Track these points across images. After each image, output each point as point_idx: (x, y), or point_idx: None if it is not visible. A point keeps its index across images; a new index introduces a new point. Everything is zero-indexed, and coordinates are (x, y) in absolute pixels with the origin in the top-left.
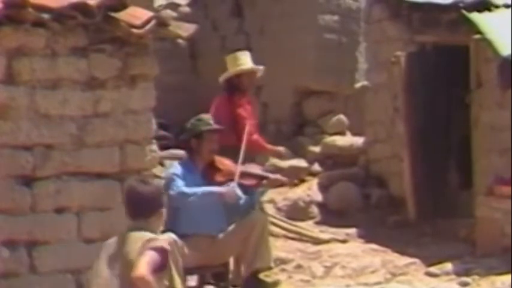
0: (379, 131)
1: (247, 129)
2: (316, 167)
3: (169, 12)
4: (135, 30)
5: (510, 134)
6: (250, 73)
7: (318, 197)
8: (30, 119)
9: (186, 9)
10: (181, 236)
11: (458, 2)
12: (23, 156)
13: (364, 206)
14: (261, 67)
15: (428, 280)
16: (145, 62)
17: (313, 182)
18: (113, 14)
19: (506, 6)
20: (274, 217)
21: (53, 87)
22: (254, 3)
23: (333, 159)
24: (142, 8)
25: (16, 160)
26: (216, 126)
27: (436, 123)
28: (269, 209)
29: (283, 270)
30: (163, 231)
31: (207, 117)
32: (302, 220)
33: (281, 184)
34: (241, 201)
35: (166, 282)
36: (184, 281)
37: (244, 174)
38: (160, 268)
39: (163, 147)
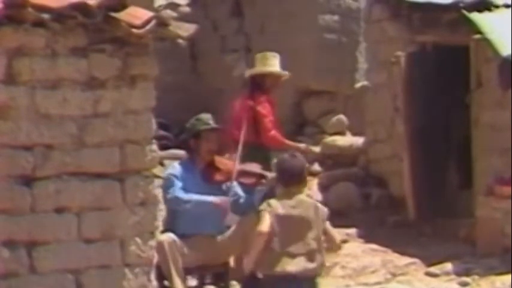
0: (379, 131)
1: (244, 128)
2: (316, 167)
3: (169, 12)
4: (135, 30)
5: (510, 134)
6: (276, 76)
7: (318, 196)
8: (30, 119)
9: (186, 9)
10: (180, 236)
11: (458, 2)
12: (23, 156)
13: (364, 206)
14: (286, 72)
15: (428, 280)
16: (146, 62)
17: (313, 182)
18: (113, 14)
19: (507, 6)
20: None
21: (53, 87)
22: (254, 3)
23: (333, 159)
24: (142, 8)
25: (16, 160)
26: (214, 125)
27: (436, 123)
28: None
29: None
30: (163, 231)
31: (206, 116)
32: None
33: None
34: (241, 200)
35: None
36: (184, 281)
37: (243, 173)
38: None
39: (163, 147)
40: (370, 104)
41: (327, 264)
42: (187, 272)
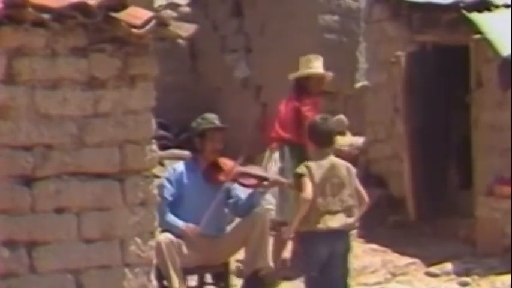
0: (379, 131)
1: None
2: None
3: (169, 12)
4: (135, 30)
5: (510, 134)
6: (319, 78)
7: None
8: (30, 119)
9: (186, 9)
10: (180, 236)
11: (458, 2)
12: (22, 156)
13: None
14: (330, 73)
15: (428, 280)
16: (146, 62)
17: None
18: (113, 14)
19: (507, 6)
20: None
21: (53, 87)
22: (254, 3)
23: None
24: (142, 8)
25: (16, 160)
26: (219, 124)
27: (436, 123)
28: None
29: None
30: (162, 231)
31: (212, 116)
32: None
33: (282, 185)
34: (241, 202)
35: None
36: (184, 281)
37: (245, 175)
38: None
39: (163, 147)
40: (370, 104)
41: None
42: (187, 272)
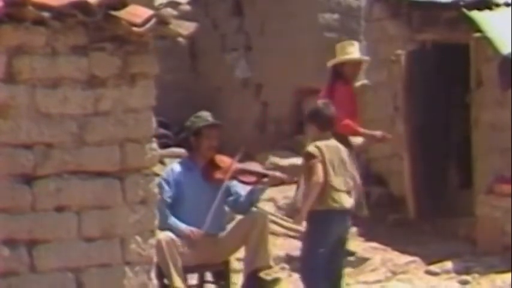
0: (379, 129)
1: None
2: None
3: (169, 11)
4: (135, 29)
5: (510, 133)
6: (354, 63)
7: None
8: (31, 118)
9: (187, 8)
10: (181, 235)
11: (458, 1)
12: (23, 154)
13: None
14: (366, 58)
15: (429, 278)
16: (146, 60)
17: None
18: (113, 13)
19: (507, 4)
20: (275, 215)
21: (53, 86)
22: (254, 2)
23: None
24: (142, 7)
25: (16, 159)
26: (214, 121)
27: (436, 122)
28: (269, 207)
29: (283, 268)
30: (162, 230)
31: (205, 113)
32: None
33: (281, 182)
34: (241, 199)
35: None
36: (184, 279)
37: (244, 172)
38: None
39: (163, 146)
40: (370, 102)
41: None
42: (187, 270)
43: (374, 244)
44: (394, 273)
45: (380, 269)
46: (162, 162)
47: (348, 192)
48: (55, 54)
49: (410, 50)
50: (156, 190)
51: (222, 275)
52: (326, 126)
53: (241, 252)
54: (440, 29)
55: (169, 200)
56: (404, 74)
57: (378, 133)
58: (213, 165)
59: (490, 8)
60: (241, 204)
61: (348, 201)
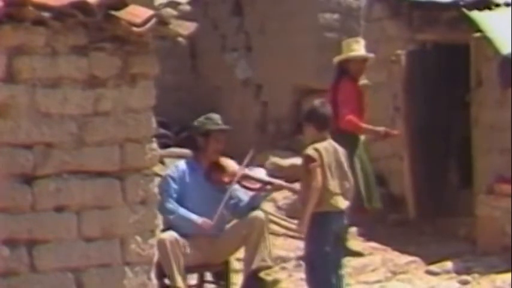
0: None
1: None
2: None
3: (169, 11)
4: (135, 29)
5: (510, 133)
6: (360, 60)
7: None
8: (31, 118)
9: (186, 8)
10: (182, 235)
11: (458, 1)
12: (23, 154)
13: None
14: (371, 55)
15: (429, 278)
16: (146, 60)
17: None
18: (113, 13)
19: (507, 4)
20: (275, 215)
21: (53, 86)
22: (254, 2)
23: None
24: (142, 7)
25: (16, 159)
26: (224, 126)
27: (436, 122)
28: (269, 207)
29: (283, 268)
30: (164, 230)
31: (216, 116)
32: None
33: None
34: (242, 204)
35: None
36: (185, 279)
37: (248, 178)
38: None
39: (163, 146)
40: (370, 102)
41: None
42: (187, 270)
43: (374, 244)
44: (394, 273)
45: (380, 269)
46: (162, 162)
47: (343, 195)
48: (55, 54)
49: (410, 50)
50: (156, 190)
51: (222, 275)
52: (323, 126)
53: (241, 252)
54: (440, 29)
55: (174, 195)
56: (404, 74)
57: (381, 129)
58: (218, 167)
59: (490, 8)
60: (241, 209)
61: (343, 204)
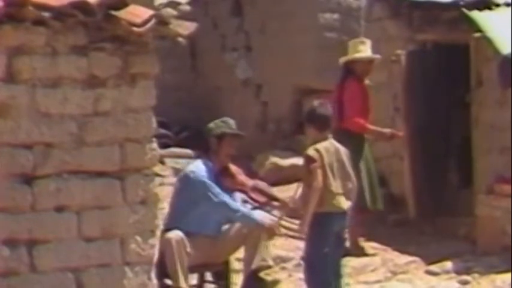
0: None
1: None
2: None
3: (169, 11)
4: (135, 29)
5: (510, 133)
6: (366, 61)
7: None
8: (31, 118)
9: (186, 8)
10: (185, 234)
11: (458, 1)
12: (23, 154)
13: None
14: (377, 56)
15: (429, 278)
16: (146, 60)
17: None
18: (113, 13)
19: (507, 4)
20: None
21: (53, 86)
22: (254, 2)
23: None
24: (142, 7)
25: (16, 159)
26: (239, 131)
27: (436, 122)
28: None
29: (283, 268)
30: (164, 230)
31: (232, 121)
32: None
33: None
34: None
35: None
36: (187, 279)
37: (258, 190)
38: None
39: (163, 146)
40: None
41: None
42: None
43: (374, 244)
44: (394, 273)
45: (380, 269)
46: (162, 162)
47: (345, 195)
48: (55, 54)
49: (410, 50)
50: (156, 190)
51: (222, 275)
52: (323, 126)
53: (241, 252)
54: (440, 29)
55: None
56: (404, 74)
57: (387, 131)
58: (227, 173)
59: (490, 8)
60: (236, 218)
61: (345, 204)
